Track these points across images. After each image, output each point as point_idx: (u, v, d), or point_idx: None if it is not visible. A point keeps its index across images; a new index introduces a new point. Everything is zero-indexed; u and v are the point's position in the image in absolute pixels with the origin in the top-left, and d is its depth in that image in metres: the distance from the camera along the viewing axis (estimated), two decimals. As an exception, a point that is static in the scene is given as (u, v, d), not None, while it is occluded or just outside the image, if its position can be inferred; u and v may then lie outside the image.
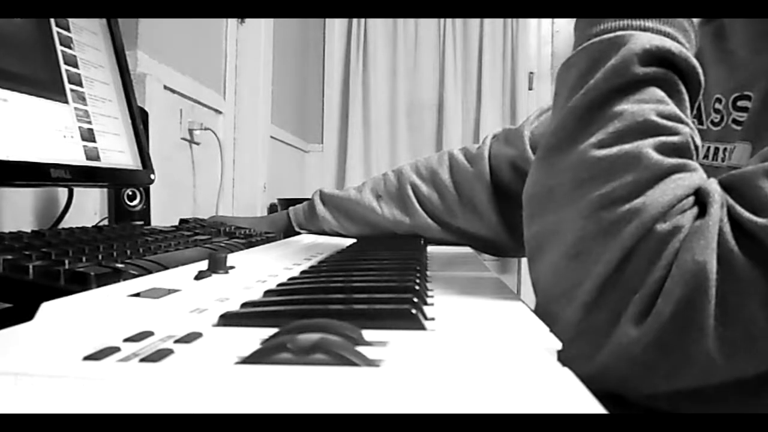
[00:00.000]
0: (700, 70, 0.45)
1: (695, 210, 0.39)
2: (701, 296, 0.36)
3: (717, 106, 0.57)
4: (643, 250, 0.38)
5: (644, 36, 0.43)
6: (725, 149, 0.55)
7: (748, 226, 0.37)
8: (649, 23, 0.44)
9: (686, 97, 0.44)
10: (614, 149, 0.41)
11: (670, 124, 0.42)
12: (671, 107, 0.43)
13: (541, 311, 0.43)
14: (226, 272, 0.49)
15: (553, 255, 0.42)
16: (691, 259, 0.37)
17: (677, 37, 0.45)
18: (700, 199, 0.40)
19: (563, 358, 0.26)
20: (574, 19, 0.49)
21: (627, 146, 0.41)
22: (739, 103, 0.54)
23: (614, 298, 0.39)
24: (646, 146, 0.40)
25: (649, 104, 0.42)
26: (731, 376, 0.38)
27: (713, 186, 0.40)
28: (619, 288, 0.39)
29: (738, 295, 0.36)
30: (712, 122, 0.57)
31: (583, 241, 0.40)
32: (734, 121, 0.54)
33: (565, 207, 0.42)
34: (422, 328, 0.30)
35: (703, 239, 0.37)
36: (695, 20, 0.47)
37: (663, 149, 0.40)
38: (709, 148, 0.57)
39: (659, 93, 0.43)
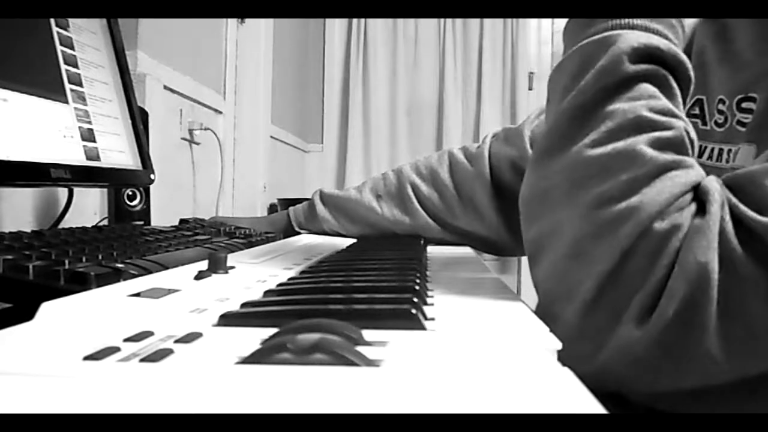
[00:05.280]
0: (689, 66, 0.45)
1: (693, 207, 0.39)
2: (704, 296, 0.36)
3: (720, 107, 0.56)
4: (643, 249, 0.38)
5: (632, 35, 0.44)
6: (729, 150, 0.55)
7: (751, 226, 0.37)
8: (636, 21, 0.45)
9: (678, 92, 0.44)
10: (608, 147, 0.41)
11: (663, 118, 0.41)
12: (663, 102, 0.43)
13: (542, 312, 0.43)
14: (226, 272, 0.49)
15: (553, 256, 0.42)
16: (694, 259, 0.37)
17: (666, 34, 0.45)
18: (699, 196, 0.40)
19: (564, 358, 0.26)
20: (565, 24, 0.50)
21: (621, 144, 0.41)
22: (744, 105, 0.54)
23: (615, 298, 0.39)
24: (640, 143, 0.40)
25: (641, 101, 0.42)
26: (733, 375, 0.38)
27: (713, 184, 0.40)
28: (619, 287, 0.39)
29: (740, 294, 0.36)
30: (716, 123, 0.57)
31: (581, 241, 0.40)
32: (738, 122, 0.54)
33: (562, 208, 0.42)
34: (422, 328, 0.30)
35: (704, 239, 0.37)
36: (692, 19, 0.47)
37: (657, 145, 0.40)
38: (713, 149, 0.56)
39: (650, 89, 0.43)
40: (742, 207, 0.38)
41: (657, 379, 0.39)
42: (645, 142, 0.40)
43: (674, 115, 0.42)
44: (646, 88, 0.43)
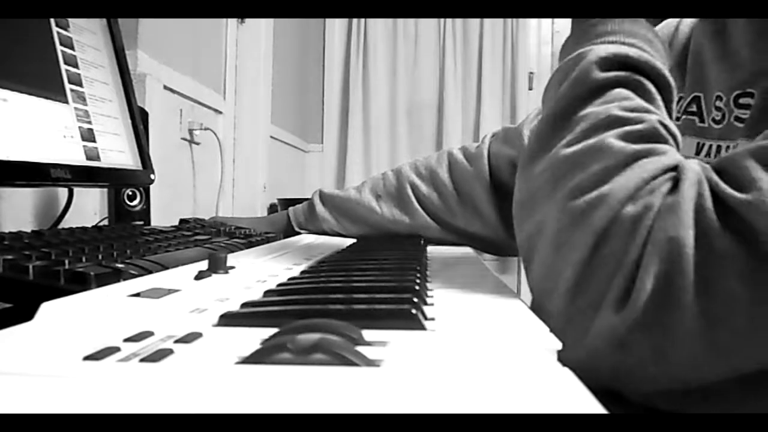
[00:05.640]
0: (666, 73, 0.46)
1: (665, 187, 0.40)
2: (678, 271, 0.36)
3: (718, 103, 0.57)
4: (616, 233, 0.39)
5: (602, 47, 0.46)
6: (728, 147, 0.55)
7: (730, 202, 0.37)
8: (612, 37, 0.48)
9: (657, 96, 0.46)
10: (580, 145, 0.43)
11: (633, 115, 0.43)
12: (636, 101, 0.44)
13: (535, 308, 0.43)
14: (226, 272, 0.49)
15: (540, 253, 0.43)
16: (664, 236, 0.37)
17: (641, 47, 0.47)
18: (677, 177, 0.40)
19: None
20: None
21: (592, 140, 0.42)
22: (741, 101, 0.54)
23: (594, 282, 0.39)
24: (609, 137, 0.42)
25: (614, 103, 0.44)
26: (719, 360, 0.38)
27: (691, 165, 0.40)
28: (596, 272, 0.39)
29: (718, 271, 0.36)
30: (714, 120, 0.57)
31: (561, 233, 0.41)
32: (737, 118, 0.54)
33: (544, 206, 0.44)
34: (422, 328, 0.30)
35: (675, 216, 0.37)
36: (689, 20, 0.48)
37: (628, 137, 0.42)
38: (711, 146, 0.57)
39: (623, 92, 0.45)
40: (723, 185, 0.38)
41: (644, 366, 0.39)
42: (614, 135, 0.42)
43: (647, 111, 0.44)
44: (619, 92, 0.45)
